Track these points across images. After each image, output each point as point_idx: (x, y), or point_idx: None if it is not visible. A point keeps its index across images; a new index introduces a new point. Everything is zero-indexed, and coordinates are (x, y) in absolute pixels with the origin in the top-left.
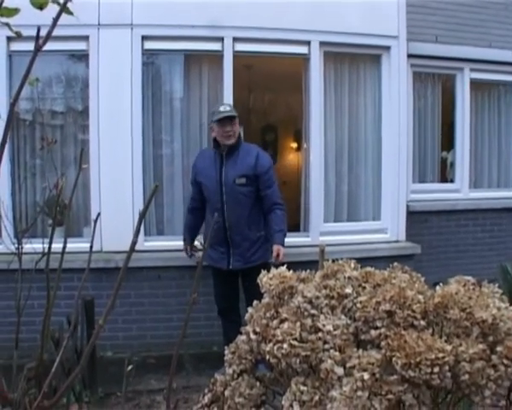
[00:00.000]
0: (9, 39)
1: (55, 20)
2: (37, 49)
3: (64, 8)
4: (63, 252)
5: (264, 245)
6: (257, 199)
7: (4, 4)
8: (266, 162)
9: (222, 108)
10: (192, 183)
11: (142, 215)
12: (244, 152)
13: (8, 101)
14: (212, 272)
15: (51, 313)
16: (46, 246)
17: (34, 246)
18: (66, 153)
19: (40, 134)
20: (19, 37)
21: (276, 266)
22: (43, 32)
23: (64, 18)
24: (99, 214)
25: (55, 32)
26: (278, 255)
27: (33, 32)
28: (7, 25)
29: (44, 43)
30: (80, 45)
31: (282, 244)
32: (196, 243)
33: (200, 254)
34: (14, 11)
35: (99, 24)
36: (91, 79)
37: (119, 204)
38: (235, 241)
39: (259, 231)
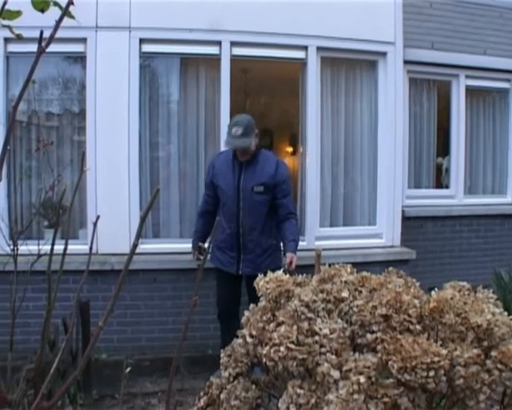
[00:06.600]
0: (7, 40)
1: (58, 23)
2: (41, 51)
3: (66, 12)
4: (64, 254)
5: (274, 253)
6: (271, 207)
7: (6, 7)
8: (285, 171)
9: (234, 131)
10: (207, 183)
11: (143, 219)
12: (263, 160)
13: (5, 102)
14: (217, 275)
15: (50, 315)
16: (41, 247)
17: (29, 247)
18: (63, 155)
19: (36, 135)
20: (20, 39)
21: (290, 274)
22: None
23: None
24: (98, 217)
25: None
26: (291, 263)
27: (31, 34)
28: (8, 27)
29: (47, 45)
30: (78, 47)
31: (295, 253)
32: (202, 244)
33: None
34: (16, 14)
35: (97, 26)
36: (88, 81)
37: (116, 206)
38: (247, 247)
39: (271, 239)
